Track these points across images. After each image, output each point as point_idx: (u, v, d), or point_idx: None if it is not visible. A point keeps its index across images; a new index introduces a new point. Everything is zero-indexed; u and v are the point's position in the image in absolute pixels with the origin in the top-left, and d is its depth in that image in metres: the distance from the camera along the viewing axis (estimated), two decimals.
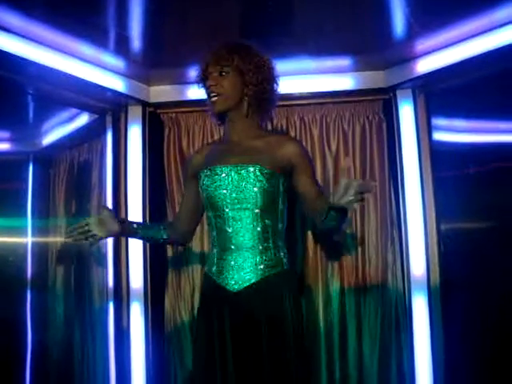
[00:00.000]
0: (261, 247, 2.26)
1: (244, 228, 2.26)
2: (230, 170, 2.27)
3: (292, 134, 3.75)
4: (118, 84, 3.54)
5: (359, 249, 3.66)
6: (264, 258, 2.26)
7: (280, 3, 2.74)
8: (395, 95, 3.63)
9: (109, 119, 3.82)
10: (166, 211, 3.84)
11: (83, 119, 4.04)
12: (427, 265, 3.47)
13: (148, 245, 3.73)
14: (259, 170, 2.24)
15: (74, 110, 4.03)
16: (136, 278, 3.70)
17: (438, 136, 3.57)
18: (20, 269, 4.60)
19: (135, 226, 2.53)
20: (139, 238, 2.64)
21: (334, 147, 3.74)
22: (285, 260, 2.33)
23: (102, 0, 2.68)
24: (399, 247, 3.61)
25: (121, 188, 3.74)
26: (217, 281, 2.28)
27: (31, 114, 4.19)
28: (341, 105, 3.75)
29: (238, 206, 2.25)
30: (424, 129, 3.56)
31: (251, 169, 2.24)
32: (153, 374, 3.65)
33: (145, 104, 3.78)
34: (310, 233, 3.71)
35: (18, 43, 2.88)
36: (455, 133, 3.59)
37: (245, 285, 2.23)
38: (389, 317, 3.58)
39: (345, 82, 3.68)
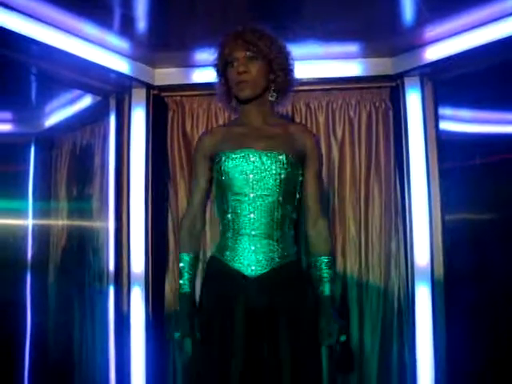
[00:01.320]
0: (279, 235, 2.24)
1: (264, 214, 2.22)
2: (259, 155, 2.22)
3: (297, 120, 3.73)
4: (122, 66, 3.51)
5: (363, 237, 3.64)
6: (281, 246, 2.24)
7: None
8: (403, 83, 3.60)
9: (112, 101, 3.79)
10: (169, 194, 3.82)
11: (86, 101, 4.00)
12: (431, 255, 3.46)
13: (149, 229, 3.71)
14: (286, 158, 2.21)
15: (77, 92, 3.99)
16: (137, 262, 3.70)
17: (445, 125, 3.54)
18: (20, 251, 4.59)
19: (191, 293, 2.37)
20: None
21: (339, 134, 3.71)
22: (295, 249, 2.33)
23: None
24: (403, 237, 3.59)
25: (123, 171, 3.72)
26: (230, 265, 2.24)
27: (34, 95, 4.15)
28: (347, 91, 3.72)
29: (261, 191, 2.21)
30: (431, 117, 3.54)
31: (280, 156, 2.21)
32: (152, 358, 3.65)
33: (149, 86, 3.75)
34: None
35: (21, 21, 2.84)
36: (462, 122, 3.57)
37: (262, 271, 2.20)
38: (391, 306, 3.57)
39: (352, 69, 3.64)
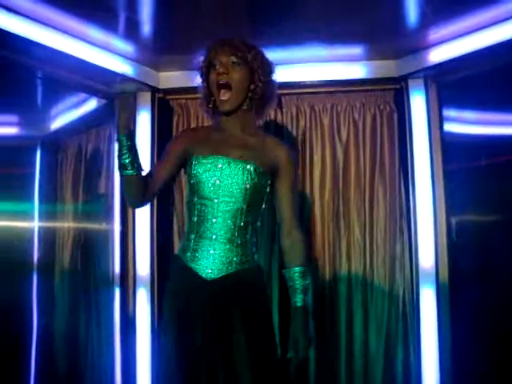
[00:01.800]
0: (239, 241, 2.29)
1: (227, 220, 2.27)
2: (226, 163, 2.27)
3: (302, 122, 3.75)
4: (127, 69, 3.52)
5: (367, 240, 3.65)
6: (240, 252, 2.29)
7: None
8: (407, 85, 3.60)
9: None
10: (174, 197, 3.83)
11: (92, 104, 4.02)
12: (436, 257, 3.45)
13: (155, 232, 3.73)
14: (253, 168, 2.26)
15: (82, 95, 4.01)
16: (143, 264, 3.71)
17: (449, 127, 3.54)
18: (26, 253, 4.60)
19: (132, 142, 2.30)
20: (125, 152, 2.23)
21: (344, 136, 3.72)
22: (256, 256, 2.40)
23: None
24: (408, 239, 3.59)
25: None
26: (190, 266, 2.28)
27: (39, 99, 4.17)
28: (352, 94, 3.73)
29: (227, 198, 2.26)
30: (435, 119, 3.53)
31: (247, 166, 2.25)
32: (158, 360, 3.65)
33: (154, 90, 3.77)
34: (318, 225, 3.69)
35: (26, 25, 2.85)
36: (467, 124, 3.56)
37: (220, 274, 2.25)
38: (396, 308, 3.57)
39: (356, 71, 3.65)
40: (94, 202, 4.20)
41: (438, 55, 3.35)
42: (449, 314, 3.38)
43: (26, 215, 4.63)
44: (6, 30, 2.75)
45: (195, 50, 3.28)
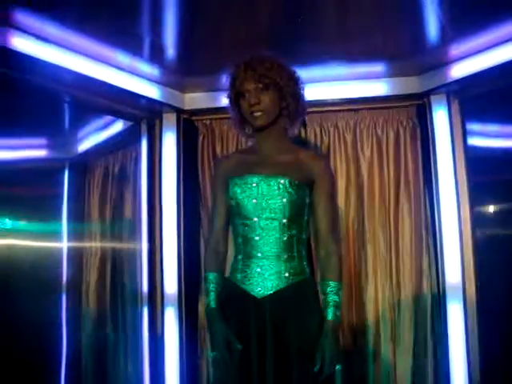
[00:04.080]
0: (286, 256, 2.29)
1: (271, 237, 2.28)
2: (261, 180, 2.29)
3: (325, 140, 3.77)
4: (152, 91, 3.59)
5: (393, 256, 3.64)
6: (288, 266, 2.29)
7: (312, 9, 2.75)
8: (429, 101, 3.61)
9: (143, 126, 3.87)
10: (200, 218, 3.88)
11: (118, 126, 4.09)
12: (462, 272, 3.43)
13: (182, 250, 3.76)
14: (288, 182, 2.26)
15: (109, 118, 4.08)
16: (170, 283, 3.74)
17: (473, 141, 3.54)
18: (56, 273, 4.66)
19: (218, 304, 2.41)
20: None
21: (367, 153, 3.73)
22: (307, 269, 2.37)
23: (136, 9, 2.72)
24: (434, 254, 3.58)
25: (155, 195, 3.80)
26: (241, 287, 2.30)
27: (67, 122, 4.25)
28: (374, 111, 3.75)
29: (266, 215, 2.27)
30: (458, 134, 3.53)
31: (281, 180, 2.26)
32: (187, 379, 3.67)
33: (179, 111, 3.82)
34: (343, 242, 3.69)
35: (55, 52, 2.94)
36: (490, 138, 3.56)
37: (269, 292, 2.26)
38: (423, 325, 3.55)
39: (378, 88, 3.67)
40: (121, 222, 4.26)
41: (459, 70, 3.36)
42: (477, 329, 3.36)
43: (55, 235, 4.70)
44: (35, 56, 2.84)
45: (219, 71, 3.38)
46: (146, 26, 2.94)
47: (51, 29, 2.79)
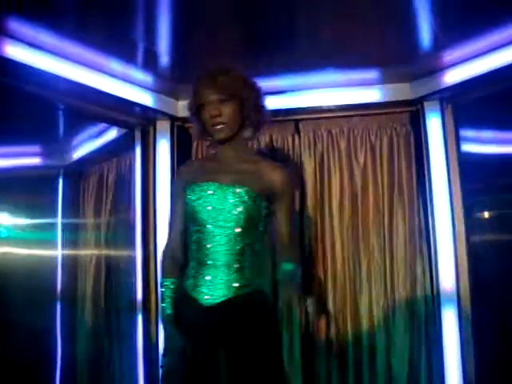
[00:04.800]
0: (237, 266, 2.27)
1: (223, 245, 2.27)
2: (218, 189, 2.29)
3: (319, 147, 3.79)
4: (146, 99, 3.60)
5: (388, 262, 3.64)
6: (239, 276, 2.27)
7: (307, 17, 2.77)
8: (422, 107, 3.63)
9: (137, 134, 3.88)
10: None
11: (112, 134, 4.10)
12: (456, 277, 3.44)
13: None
14: (245, 192, 2.26)
15: (103, 125, 4.09)
16: None
17: (467, 147, 3.55)
18: (50, 281, 4.66)
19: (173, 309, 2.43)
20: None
21: (361, 160, 3.74)
22: (259, 280, 2.36)
23: (130, 16, 2.73)
24: (428, 260, 3.58)
25: (150, 201, 3.80)
26: (191, 294, 2.30)
27: (62, 129, 4.26)
28: (368, 117, 3.76)
29: (220, 223, 2.27)
30: (452, 140, 3.55)
31: (237, 190, 2.26)
32: None
33: (173, 118, 3.83)
34: (338, 248, 3.71)
35: (48, 60, 2.96)
36: (484, 144, 3.57)
37: (217, 300, 2.25)
38: (418, 330, 3.55)
39: (372, 95, 3.69)
40: (115, 229, 4.26)
41: (452, 77, 3.38)
42: (471, 334, 3.36)
43: (50, 243, 4.70)
44: (30, 64, 2.85)
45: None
46: (140, 33, 2.94)
47: (45, 37, 2.80)
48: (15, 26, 2.68)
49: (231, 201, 2.25)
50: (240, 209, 2.25)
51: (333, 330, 3.63)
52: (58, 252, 4.73)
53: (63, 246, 4.73)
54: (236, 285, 2.26)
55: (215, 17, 2.75)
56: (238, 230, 2.26)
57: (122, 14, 2.68)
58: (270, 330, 2.28)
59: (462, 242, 3.47)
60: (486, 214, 3.46)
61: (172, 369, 2.29)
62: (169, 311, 2.34)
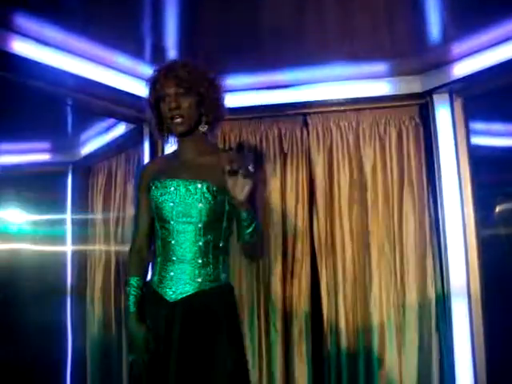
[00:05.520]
0: (200, 261, 2.28)
1: (186, 241, 2.28)
2: (179, 185, 2.29)
3: (328, 140, 3.77)
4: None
5: (397, 256, 3.63)
6: (202, 271, 2.28)
7: (316, 10, 2.75)
8: (432, 100, 3.60)
9: (146, 128, 3.87)
10: None
11: (121, 129, 4.11)
12: (467, 272, 3.42)
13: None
14: (206, 187, 2.25)
15: (111, 120, 4.09)
16: None
17: (476, 140, 3.52)
18: (60, 276, 4.67)
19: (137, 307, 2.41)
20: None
21: (370, 153, 3.72)
22: (223, 275, 2.36)
23: (137, 11, 2.73)
24: (438, 254, 3.57)
25: None
26: (156, 290, 2.32)
27: (70, 125, 4.26)
28: (377, 110, 3.74)
29: (183, 219, 2.27)
30: (462, 133, 3.52)
31: (199, 185, 2.25)
32: None
33: None
34: (347, 242, 3.70)
35: (56, 55, 2.96)
36: (494, 136, 3.55)
37: (181, 296, 2.26)
38: (428, 325, 3.54)
39: (381, 88, 3.67)
40: (125, 224, 4.26)
41: (462, 69, 3.36)
42: (482, 329, 3.34)
43: (60, 239, 4.71)
44: (37, 60, 2.85)
45: (220, 73, 3.36)
46: (147, 28, 2.94)
47: (52, 32, 2.80)
48: (22, 21, 2.68)
49: (193, 196, 2.26)
50: (201, 204, 2.25)
51: (343, 325, 3.63)
52: (68, 247, 4.74)
53: (73, 242, 4.75)
54: (199, 280, 2.27)
55: (223, 11, 2.74)
56: (200, 225, 2.27)
57: (129, 9, 2.68)
58: (232, 325, 2.30)
59: (472, 235, 3.45)
60: (497, 207, 3.44)
61: (139, 366, 2.31)
62: (132, 309, 2.35)
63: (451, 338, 3.44)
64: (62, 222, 4.74)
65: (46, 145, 4.71)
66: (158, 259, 2.37)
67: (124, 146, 4.20)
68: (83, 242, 4.70)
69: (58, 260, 4.70)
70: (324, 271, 3.70)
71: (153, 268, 2.43)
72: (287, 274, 3.73)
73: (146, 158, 3.85)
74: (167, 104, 2.26)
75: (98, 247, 4.56)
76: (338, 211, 3.72)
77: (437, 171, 3.58)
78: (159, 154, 3.80)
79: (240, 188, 2.02)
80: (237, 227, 2.24)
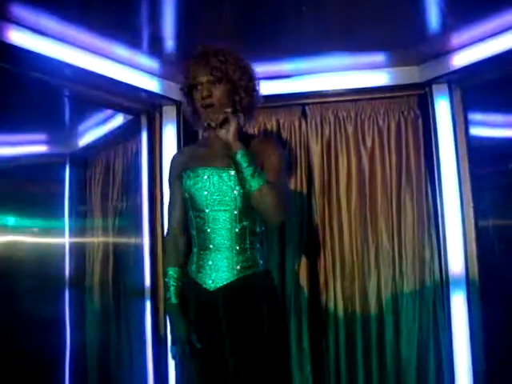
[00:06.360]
0: (238, 248, 2.31)
1: (222, 228, 2.31)
2: (212, 173, 2.32)
3: (326, 131, 3.76)
4: (152, 84, 3.58)
5: (396, 246, 3.63)
6: (241, 258, 2.31)
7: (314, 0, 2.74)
8: (431, 90, 3.60)
9: (144, 120, 3.86)
10: None
11: (118, 120, 4.09)
12: (465, 261, 3.43)
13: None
14: None
15: (109, 112, 4.08)
16: None
17: (475, 131, 3.52)
18: (58, 269, 4.66)
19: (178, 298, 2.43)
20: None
21: (369, 144, 3.72)
22: (261, 261, 2.37)
23: (135, 1, 2.70)
24: (437, 243, 3.57)
25: (156, 188, 3.78)
26: (195, 279, 2.34)
27: (67, 116, 4.24)
28: (376, 101, 3.73)
29: (218, 207, 2.30)
30: (461, 124, 3.52)
31: (232, 172, 2.26)
32: None
33: (179, 104, 3.79)
34: (346, 232, 3.70)
35: (53, 45, 2.93)
36: (492, 127, 3.55)
37: (221, 284, 2.28)
38: (427, 314, 3.54)
39: (379, 78, 3.66)
40: (122, 216, 4.25)
41: (461, 59, 3.34)
42: (480, 317, 3.35)
43: (57, 231, 4.70)
44: (34, 50, 2.83)
45: None
46: (145, 17, 2.91)
47: (49, 22, 2.77)
48: (19, 11, 2.65)
49: (227, 184, 2.29)
50: (236, 191, 2.28)
51: (341, 314, 3.63)
52: (66, 240, 4.73)
53: (70, 234, 4.74)
54: (238, 267, 2.29)
55: (221, 1, 2.74)
56: (236, 212, 2.30)
57: None
58: (274, 311, 2.30)
59: (470, 225, 3.45)
60: (495, 198, 3.43)
61: (184, 357, 2.33)
62: (174, 301, 2.38)
63: (450, 327, 3.44)
64: (59, 213, 4.73)
65: (42, 136, 4.68)
66: (194, 249, 2.40)
67: (122, 138, 4.19)
68: (81, 234, 4.69)
69: (56, 252, 4.69)
70: (322, 260, 3.70)
71: (189, 258, 2.44)
72: (284, 263, 3.73)
73: (144, 150, 3.84)
74: (200, 92, 2.28)
75: (96, 239, 4.55)
76: (336, 202, 3.71)
77: (435, 161, 3.57)
78: (157, 145, 3.79)
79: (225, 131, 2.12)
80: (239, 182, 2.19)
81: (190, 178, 2.36)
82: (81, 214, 4.70)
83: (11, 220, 4.39)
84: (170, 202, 2.56)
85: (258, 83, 2.43)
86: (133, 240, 4.04)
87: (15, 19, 2.70)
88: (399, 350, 3.57)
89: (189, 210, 2.41)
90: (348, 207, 3.71)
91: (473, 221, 3.45)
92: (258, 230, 2.38)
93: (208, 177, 2.32)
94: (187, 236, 2.52)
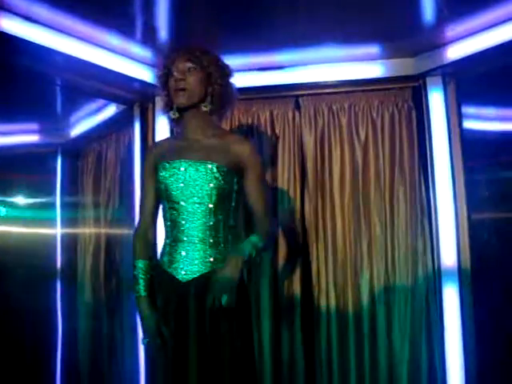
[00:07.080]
0: (211, 241, 2.34)
1: (197, 221, 2.34)
2: (189, 165, 2.35)
3: (320, 123, 3.74)
4: (145, 74, 3.55)
5: (388, 238, 3.62)
6: (214, 251, 2.34)
7: None
8: (425, 82, 3.59)
9: (136, 110, 3.84)
10: None
11: (111, 110, 4.07)
12: (458, 254, 3.43)
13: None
14: (216, 168, 2.32)
15: (101, 101, 4.06)
16: None
17: (469, 124, 3.52)
18: (50, 260, 4.66)
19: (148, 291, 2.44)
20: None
21: (362, 136, 3.70)
22: None
23: None
24: (429, 236, 3.56)
25: None
26: (167, 270, 2.35)
27: (59, 106, 4.22)
28: (369, 93, 3.71)
29: (193, 199, 2.33)
30: (454, 116, 3.51)
31: (209, 166, 2.32)
32: None
33: None
34: (339, 225, 3.69)
35: (45, 34, 2.91)
36: (486, 120, 3.55)
37: (193, 276, 2.30)
38: (419, 307, 3.54)
39: (373, 70, 3.64)
40: (114, 207, 4.24)
41: (455, 52, 3.33)
42: (472, 310, 3.36)
43: (49, 222, 4.69)
44: (25, 38, 2.81)
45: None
46: (139, 6, 2.89)
47: (41, 10, 2.75)
48: None
49: (203, 177, 2.32)
50: (211, 184, 2.31)
51: (334, 307, 3.63)
52: (57, 230, 4.72)
53: (62, 225, 4.73)
54: (211, 260, 2.32)
55: None
56: (211, 205, 2.33)
57: None
58: (241, 303, 2.31)
59: (463, 218, 3.45)
60: (488, 191, 3.44)
61: (156, 348, 2.35)
62: (143, 293, 2.38)
63: (441, 319, 3.44)
64: (51, 204, 4.71)
65: (34, 126, 4.66)
66: (167, 240, 2.43)
67: (114, 128, 4.17)
68: (73, 224, 4.68)
69: (48, 243, 4.68)
70: (315, 252, 3.69)
71: (161, 249, 2.47)
72: (277, 256, 3.72)
73: (137, 140, 3.82)
74: (174, 77, 2.34)
75: (87, 230, 4.53)
76: (329, 193, 3.70)
77: (429, 154, 3.57)
78: (150, 136, 3.77)
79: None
80: None
81: (167, 170, 2.38)
82: (73, 204, 4.68)
83: (2, 210, 4.38)
84: (142, 193, 2.59)
85: (235, 86, 2.52)
86: (125, 231, 4.02)
87: (6, 6, 2.68)
88: (391, 342, 3.57)
89: (163, 202, 2.44)
90: (341, 199, 3.70)
91: (466, 213, 3.45)
92: (232, 223, 2.42)
93: (185, 169, 2.35)
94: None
